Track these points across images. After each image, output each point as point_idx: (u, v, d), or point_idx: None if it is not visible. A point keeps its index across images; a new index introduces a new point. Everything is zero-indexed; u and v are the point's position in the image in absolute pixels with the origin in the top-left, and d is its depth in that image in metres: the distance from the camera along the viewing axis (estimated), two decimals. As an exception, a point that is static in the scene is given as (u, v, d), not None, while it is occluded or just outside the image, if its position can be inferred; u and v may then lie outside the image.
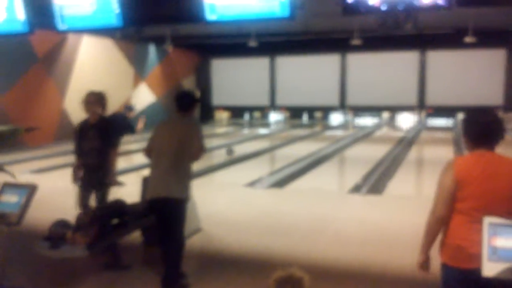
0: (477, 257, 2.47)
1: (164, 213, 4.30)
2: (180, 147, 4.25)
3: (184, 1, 7.13)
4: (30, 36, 14.21)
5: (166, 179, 4.25)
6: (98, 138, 5.25)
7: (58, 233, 4.25)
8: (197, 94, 25.28)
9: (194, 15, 6.83)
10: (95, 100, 5.37)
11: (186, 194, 4.37)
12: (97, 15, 7.40)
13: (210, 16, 6.69)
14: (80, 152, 5.38)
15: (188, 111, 4.49)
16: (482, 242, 2.44)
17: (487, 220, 2.46)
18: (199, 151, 4.34)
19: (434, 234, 2.80)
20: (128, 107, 9.85)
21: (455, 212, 2.71)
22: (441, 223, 2.75)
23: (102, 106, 5.41)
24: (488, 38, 18.48)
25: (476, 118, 2.78)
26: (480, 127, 2.74)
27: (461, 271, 2.66)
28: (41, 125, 15.18)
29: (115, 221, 4.67)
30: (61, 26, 7.68)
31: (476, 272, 2.45)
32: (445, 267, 2.78)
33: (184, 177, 4.35)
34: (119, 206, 4.82)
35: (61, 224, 4.36)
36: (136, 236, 5.45)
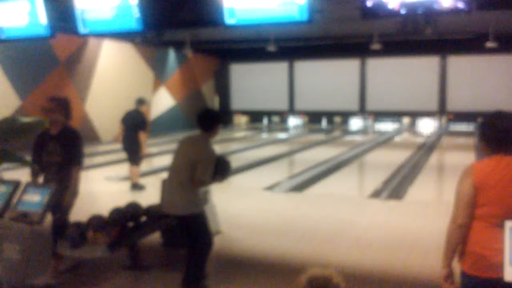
0: (498, 266, 2.42)
1: (181, 226, 4.43)
2: (189, 168, 4.16)
3: (204, 5, 7.17)
4: (51, 40, 14.47)
5: (172, 197, 4.27)
6: (59, 152, 4.50)
7: (78, 233, 4.29)
8: (216, 101, 25.46)
9: (213, 19, 6.87)
10: (55, 106, 4.58)
11: (194, 209, 4.24)
12: (118, 19, 7.48)
13: (229, 20, 6.71)
14: (39, 166, 4.58)
15: (210, 131, 4.33)
16: (504, 246, 2.40)
17: (509, 224, 2.42)
18: (198, 181, 4.18)
19: (455, 243, 2.71)
20: (140, 100, 9.23)
21: (475, 219, 2.64)
22: (462, 231, 2.67)
23: (65, 114, 4.62)
24: (509, 43, 18.26)
25: (494, 122, 2.72)
26: (498, 132, 2.68)
27: (482, 280, 2.59)
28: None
29: (134, 223, 4.71)
30: (82, 30, 7.78)
31: (497, 281, 2.41)
32: (464, 275, 2.70)
33: (190, 195, 4.22)
34: (134, 210, 4.85)
35: (78, 225, 4.41)
36: (156, 237, 5.49)
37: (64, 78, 15.69)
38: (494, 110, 2.80)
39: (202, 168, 4.13)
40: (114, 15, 7.44)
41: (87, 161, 12.93)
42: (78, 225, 4.38)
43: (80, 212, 4.64)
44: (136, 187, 8.84)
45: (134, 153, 8.86)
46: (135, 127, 8.74)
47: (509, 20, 14.63)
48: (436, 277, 2.89)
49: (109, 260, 4.75)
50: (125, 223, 4.69)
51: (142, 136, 8.76)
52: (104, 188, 9.52)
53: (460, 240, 2.71)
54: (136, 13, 7.23)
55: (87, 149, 14.92)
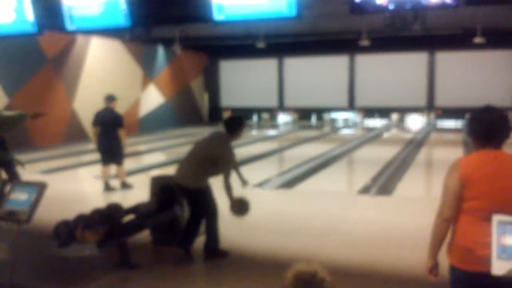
0: (486, 260, 2.43)
1: (188, 198, 5.23)
2: (206, 155, 5.05)
3: (192, 1, 7.16)
4: (39, 38, 14.33)
5: (186, 172, 5.10)
6: None
7: (65, 231, 4.27)
8: (205, 98, 25.40)
9: (202, 15, 6.87)
10: None
11: (200, 185, 5.06)
12: (105, 16, 7.46)
13: (217, 16, 6.72)
14: None
15: (234, 134, 5.16)
16: (492, 240, 2.41)
17: (496, 218, 2.43)
18: (223, 174, 5.23)
19: (442, 236, 2.75)
20: (110, 97, 8.91)
21: (462, 212, 2.67)
22: (448, 225, 2.71)
23: None
24: (497, 38, 18.39)
25: (482, 116, 2.73)
26: (485, 126, 2.69)
27: (469, 273, 2.62)
28: (50, 126, 15.30)
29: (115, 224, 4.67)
30: (70, 26, 7.76)
31: (485, 275, 2.42)
32: (453, 269, 2.73)
33: (199, 175, 5.05)
34: (115, 211, 4.82)
35: (66, 224, 4.37)
36: (145, 235, 5.47)
37: (52, 75, 15.56)
38: (482, 105, 2.81)
39: (223, 163, 5.12)
40: (102, 12, 7.42)
41: (76, 160, 12.92)
42: (66, 223, 4.35)
43: (68, 210, 4.61)
44: (125, 186, 8.76)
45: (116, 153, 8.57)
46: (113, 126, 8.47)
47: (497, 16, 14.72)
48: (425, 276, 2.91)
49: (98, 259, 4.73)
50: (116, 220, 4.68)
51: (123, 133, 8.56)
52: (92, 186, 9.46)
53: (445, 233, 2.74)
54: (123, 9, 7.21)
55: (76, 147, 14.91)
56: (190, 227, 5.16)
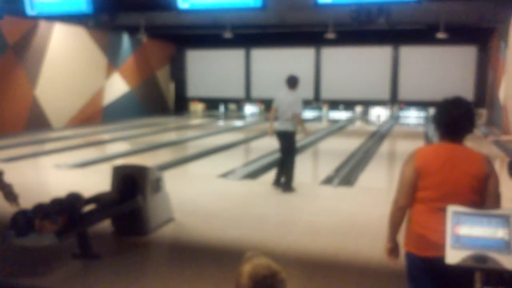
0: (439, 245, 2.51)
1: (283, 139, 7.74)
2: (290, 107, 7.52)
3: (157, -11, 7.09)
4: (1, 24, 13.92)
5: (285, 122, 7.62)
6: None
7: (24, 221, 4.17)
8: (171, 87, 25.13)
9: (166, 3, 6.79)
10: None
11: (294, 129, 7.65)
12: (67, 1, 7.29)
13: (182, 4, 6.65)
14: None
15: (294, 87, 7.69)
16: (446, 230, 2.48)
17: (451, 209, 2.50)
18: (299, 115, 7.59)
19: (397, 223, 2.84)
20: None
21: (416, 201, 2.74)
22: (403, 212, 2.79)
23: None
24: (459, 35, 18.81)
25: (447, 108, 2.75)
26: (449, 119, 2.73)
27: (424, 259, 2.69)
28: (11, 114, 14.92)
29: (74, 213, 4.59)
30: (30, 11, 7.56)
31: (439, 260, 2.49)
32: (408, 255, 2.81)
33: (293, 123, 7.60)
34: (74, 199, 4.74)
35: (24, 213, 4.28)
36: (106, 225, 5.41)
37: (13, 62, 15.11)
38: (452, 96, 2.82)
39: (297, 107, 7.54)
40: (64, -3, 7.25)
41: (36, 148, 12.64)
42: (24, 213, 4.26)
43: (27, 200, 4.50)
44: None
45: None
46: None
47: (459, 12, 15.04)
48: (386, 262, 2.98)
49: (58, 249, 4.65)
50: (75, 209, 4.60)
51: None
52: (52, 175, 9.29)
53: (401, 220, 2.83)
54: (86, -5, 7.06)
55: (37, 135, 14.59)
56: (289, 171, 7.64)
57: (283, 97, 7.65)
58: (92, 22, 16.55)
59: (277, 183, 7.82)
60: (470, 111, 2.77)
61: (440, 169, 2.69)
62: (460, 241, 2.45)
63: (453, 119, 2.72)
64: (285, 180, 7.67)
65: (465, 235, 2.46)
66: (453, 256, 2.44)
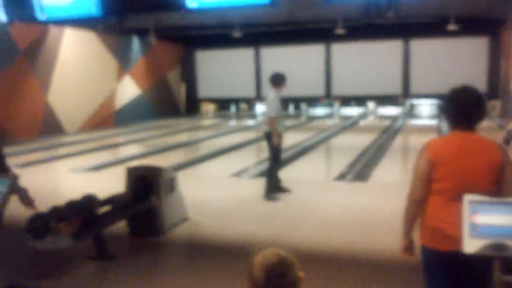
0: (455, 239, 2.48)
1: (268, 140, 7.07)
2: (267, 107, 6.93)
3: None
4: (10, 29, 14.06)
5: (266, 124, 7.06)
6: None
7: (40, 224, 4.21)
8: (182, 89, 25.19)
9: (175, 3, 6.80)
10: None
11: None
12: (76, 5, 7.34)
13: (190, 4, 6.65)
14: None
15: (280, 87, 6.99)
16: (462, 219, 2.44)
17: (467, 198, 2.47)
18: (270, 118, 6.91)
19: (412, 217, 2.79)
20: None
21: (431, 193, 2.70)
22: (418, 207, 2.75)
23: None
24: (470, 26, 18.62)
25: (457, 97, 2.72)
26: (459, 107, 2.70)
27: (440, 252, 2.66)
28: (25, 120, 15.05)
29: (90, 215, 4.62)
30: (40, 16, 7.61)
31: (455, 254, 2.46)
32: (424, 249, 2.77)
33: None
34: (90, 201, 4.76)
35: (40, 216, 4.31)
36: (122, 226, 5.44)
37: (24, 68, 15.24)
38: (460, 85, 2.78)
39: (269, 109, 6.76)
40: (73, 1, 7.29)
41: (51, 153, 12.74)
42: (40, 216, 4.29)
43: (43, 203, 4.53)
44: None
45: None
46: None
47: (469, 3, 14.90)
48: (400, 257, 2.94)
49: (74, 251, 4.68)
50: (91, 211, 4.63)
51: None
52: (68, 179, 9.36)
53: (416, 215, 2.78)
54: (95, -1, 7.11)
55: (51, 141, 14.70)
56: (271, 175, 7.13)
57: (266, 96, 7.18)
58: (101, 26, 16.63)
59: (277, 188, 7.30)
60: (480, 98, 2.73)
61: (454, 159, 2.65)
62: (477, 230, 2.41)
63: (464, 107, 2.69)
64: (265, 186, 7.12)
65: (482, 224, 2.42)
66: (470, 245, 2.41)
